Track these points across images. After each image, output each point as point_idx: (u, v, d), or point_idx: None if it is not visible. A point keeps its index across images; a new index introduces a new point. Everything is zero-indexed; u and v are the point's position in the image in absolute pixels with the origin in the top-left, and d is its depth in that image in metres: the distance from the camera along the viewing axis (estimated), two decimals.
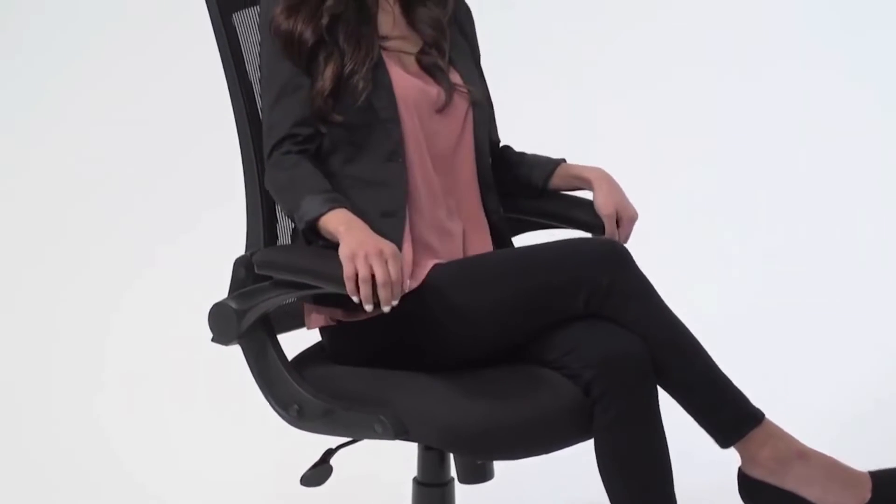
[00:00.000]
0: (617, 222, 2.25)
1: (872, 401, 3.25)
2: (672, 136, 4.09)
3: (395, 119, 2.09)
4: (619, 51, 4.16)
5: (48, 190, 4.22)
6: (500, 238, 2.24)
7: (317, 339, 2.23)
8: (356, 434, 2.03)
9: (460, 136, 2.19)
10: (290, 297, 2.04)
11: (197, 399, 3.43)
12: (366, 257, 1.89)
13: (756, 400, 2.06)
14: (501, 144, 2.34)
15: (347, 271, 1.90)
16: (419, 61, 2.18)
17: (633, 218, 2.27)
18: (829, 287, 3.75)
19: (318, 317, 2.12)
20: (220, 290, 2.09)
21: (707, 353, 2.04)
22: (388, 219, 2.06)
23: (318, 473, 2.11)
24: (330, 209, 1.98)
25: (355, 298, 1.90)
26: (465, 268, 2.08)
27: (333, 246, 1.96)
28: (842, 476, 2.03)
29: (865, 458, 2.17)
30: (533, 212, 2.34)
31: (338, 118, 2.07)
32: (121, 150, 4.19)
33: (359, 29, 2.10)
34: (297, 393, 2.05)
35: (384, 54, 2.12)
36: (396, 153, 2.10)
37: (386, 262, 1.89)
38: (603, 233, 2.26)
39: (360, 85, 2.06)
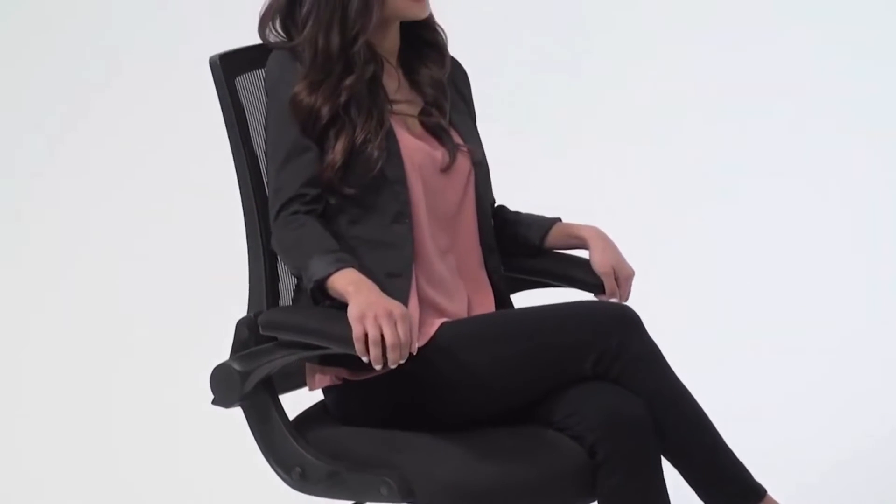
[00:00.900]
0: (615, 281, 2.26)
1: None
2: (670, 198, 4.09)
3: (403, 181, 2.11)
4: (611, 109, 4.18)
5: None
6: (501, 297, 2.25)
7: (317, 398, 2.22)
8: (361, 497, 2.02)
9: (463, 196, 2.20)
10: (294, 358, 2.03)
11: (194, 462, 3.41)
12: (375, 318, 1.90)
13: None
14: (497, 204, 2.36)
15: (357, 332, 1.90)
16: (422, 122, 2.19)
17: (630, 276, 2.28)
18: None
19: (322, 377, 2.11)
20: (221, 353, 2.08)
21: (711, 423, 2.05)
22: (393, 279, 2.07)
23: None
24: (338, 269, 1.98)
25: (365, 359, 1.90)
26: (474, 327, 2.09)
27: (341, 306, 1.96)
28: None
29: None
30: (530, 271, 2.34)
31: (349, 191, 2.08)
32: (115, 217, 4.16)
33: (371, 99, 2.11)
34: (300, 455, 2.04)
35: (391, 119, 2.14)
36: (403, 214, 2.10)
37: (395, 323, 1.90)
38: (600, 291, 2.28)
39: (375, 154, 2.07)
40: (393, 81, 2.19)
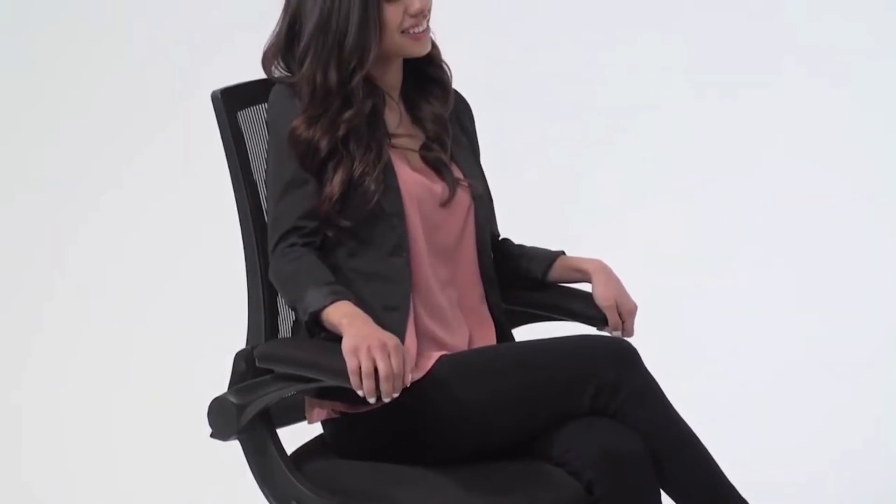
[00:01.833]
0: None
1: None
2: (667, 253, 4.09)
3: (401, 214, 2.11)
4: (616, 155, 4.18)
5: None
6: (502, 331, 2.24)
7: (317, 432, 2.21)
8: None
9: (462, 230, 2.20)
10: (289, 391, 2.03)
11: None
12: (368, 350, 1.89)
13: None
14: (501, 237, 2.35)
15: (351, 365, 1.90)
16: (423, 157, 2.20)
17: (633, 310, 2.28)
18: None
19: (320, 410, 2.11)
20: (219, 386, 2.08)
21: (711, 457, 2.04)
22: (390, 312, 2.07)
23: None
24: (333, 301, 1.98)
25: (360, 392, 1.90)
26: (472, 360, 2.08)
27: (336, 338, 1.96)
28: None
29: None
30: (532, 304, 2.34)
31: (345, 223, 2.08)
32: (116, 249, 4.18)
33: (370, 133, 2.12)
34: (297, 489, 2.04)
35: (391, 152, 2.14)
36: (400, 248, 2.10)
37: (388, 355, 1.89)
38: (603, 324, 2.27)
39: (372, 188, 2.08)
40: (394, 115, 2.19)
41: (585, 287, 2.31)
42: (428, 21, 2.15)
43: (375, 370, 1.89)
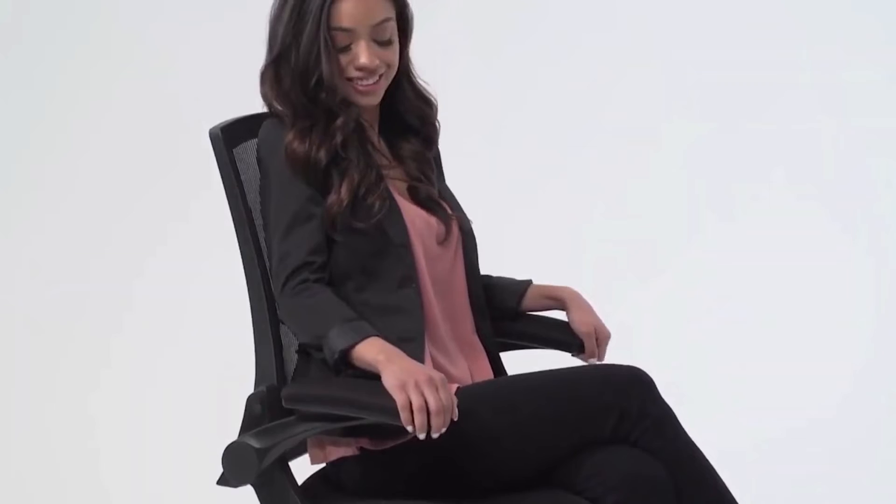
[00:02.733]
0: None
1: None
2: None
3: (407, 245, 2.10)
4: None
5: None
6: (495, 362, 2.25)
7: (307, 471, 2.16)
8: None
9: (454, 263, 2.21)
10: (317, 431, 1.98)
11: None
12: (416, 385, 1.88)
13: None
14: None
15: (401, 401, 1.87)
16: (412, 191, 2.19)
17: (608, 337, 2.33)
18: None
19: (335, 448, 2.06)
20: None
21: (724, 485, 2.07)
22: (406, 344, 2.04)
23: None
24: (363, 339, 1.95)
25: (410, 428, 1.87)
26: (493, 391, 2.07)
27: (363, 375, 1.94)
28: None
29: None
30: (509, 334, 2.35)
31: (359, 224, 2.05)
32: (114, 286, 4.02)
33: (366, 149, 2.11)
34: None
35: (387, 180, 2.13)
36: (410, 279, 2.09)
37: (437, 388, 1.88)
38: (579, 351, 2.31)
39: (378, 204, 2.06)
40: (378, 149, 2.18)
41: (556, 314, 2.35)
42: (381, 78, 2.13)
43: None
